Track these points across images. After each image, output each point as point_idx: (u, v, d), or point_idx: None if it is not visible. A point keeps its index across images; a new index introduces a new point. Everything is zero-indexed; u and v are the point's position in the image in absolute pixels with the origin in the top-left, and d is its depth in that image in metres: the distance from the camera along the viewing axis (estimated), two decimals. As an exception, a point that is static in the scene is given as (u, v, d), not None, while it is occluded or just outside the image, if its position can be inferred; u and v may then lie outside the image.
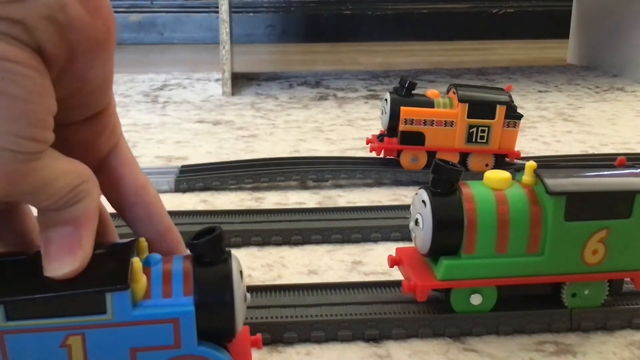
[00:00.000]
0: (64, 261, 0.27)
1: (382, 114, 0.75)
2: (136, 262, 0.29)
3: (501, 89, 0.74)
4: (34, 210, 0.30)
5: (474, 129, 0.72)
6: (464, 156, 0.73)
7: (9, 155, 0.24)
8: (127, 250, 0.30)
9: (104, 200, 0.32)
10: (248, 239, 0.58)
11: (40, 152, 0.25)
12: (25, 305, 0.28)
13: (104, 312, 0.28)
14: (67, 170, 0.27)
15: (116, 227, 0.34)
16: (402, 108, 0.72)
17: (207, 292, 0.30)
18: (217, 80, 1.35)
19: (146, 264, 0.30)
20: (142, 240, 0.32)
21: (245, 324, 0.32)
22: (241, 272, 0.31)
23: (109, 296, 0.28)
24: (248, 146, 0.89)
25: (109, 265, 0.29)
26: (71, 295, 0.28)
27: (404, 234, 0.58)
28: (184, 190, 0.71)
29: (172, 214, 0.61)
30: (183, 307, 0.29)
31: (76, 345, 0.29)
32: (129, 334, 0.29)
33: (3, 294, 0.28)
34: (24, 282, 0.28)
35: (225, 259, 0.31)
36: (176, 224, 0.35)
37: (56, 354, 0.29)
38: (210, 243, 0.30)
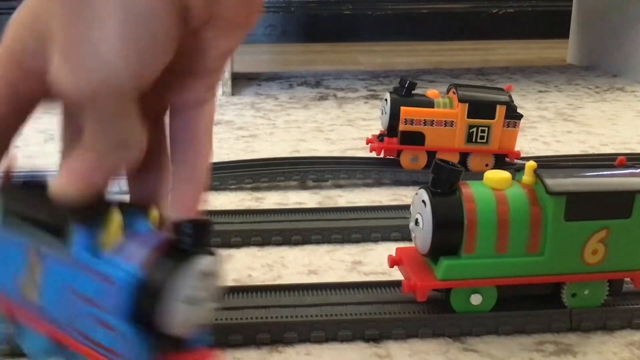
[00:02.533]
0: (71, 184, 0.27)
1: (382, 114, 0.75)
2: (117, 217, 0.28)
3: (501, 89, 0.74)
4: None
5: (474, 129, 0.72)
6: (464, 156, 0.73)
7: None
8: (133, 207, 0.29)
9: None
10: (248, 239, 0.58)
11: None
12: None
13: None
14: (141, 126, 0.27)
15: None
16: (402, 108, 0.72)
17: (154, 275, 0.27)
18: (217, 80, 1.35)
19: (132, 226, 0.29)
20: (155, 210, 0.30)
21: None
22: (214, 273, 0.28)
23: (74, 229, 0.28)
24: (248, 146, 0.89)
25: (103, 208, 0.28)
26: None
27: (404, 234, 0.58)
28: (184, 190, 0.71)
29: (172, 214, 0.61)
30: (127, 274, 0.27)
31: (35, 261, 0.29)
32: (76, 276, 0.28)
33: None
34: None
35: (194, 255, 0.28)
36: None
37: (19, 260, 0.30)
38: (196, 234, 0.28)
